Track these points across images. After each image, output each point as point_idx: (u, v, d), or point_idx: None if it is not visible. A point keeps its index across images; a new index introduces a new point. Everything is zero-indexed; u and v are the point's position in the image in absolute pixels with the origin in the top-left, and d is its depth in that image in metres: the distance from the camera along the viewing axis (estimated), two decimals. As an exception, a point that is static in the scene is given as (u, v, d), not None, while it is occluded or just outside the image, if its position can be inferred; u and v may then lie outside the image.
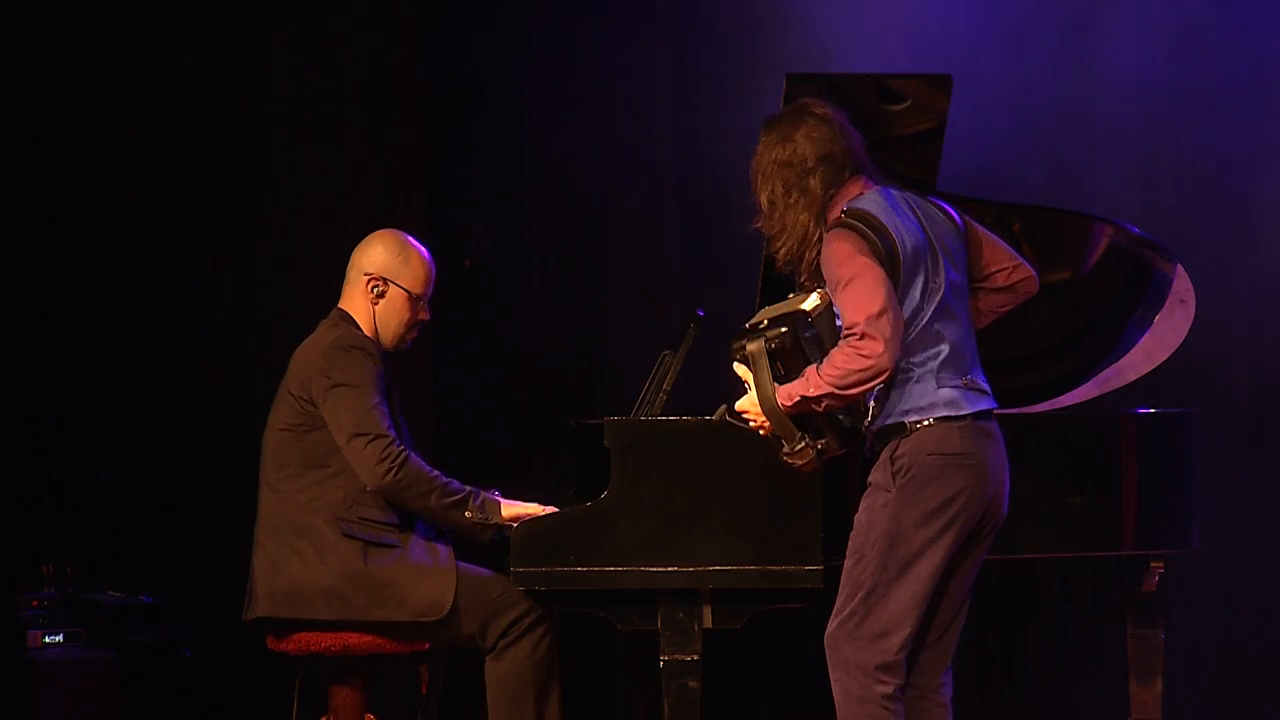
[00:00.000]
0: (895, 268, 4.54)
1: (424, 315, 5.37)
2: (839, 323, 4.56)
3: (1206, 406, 6.10)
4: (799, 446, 4.57)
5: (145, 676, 5.92)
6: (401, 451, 5.14)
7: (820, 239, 4.61)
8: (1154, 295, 5.71)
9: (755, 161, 4.74)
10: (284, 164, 6.63)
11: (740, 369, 4.61)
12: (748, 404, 4.62)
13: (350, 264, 5.36)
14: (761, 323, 4.60)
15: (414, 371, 6.23)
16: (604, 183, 6.93)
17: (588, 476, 5.52)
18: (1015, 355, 5.60)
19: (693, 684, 5.06)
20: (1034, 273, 4.85)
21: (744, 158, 6.36)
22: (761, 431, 4.63)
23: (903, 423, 4.58)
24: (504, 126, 6.85)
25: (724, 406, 4.70)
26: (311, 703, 5.35)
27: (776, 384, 4.54)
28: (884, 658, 4.56)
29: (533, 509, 5.23)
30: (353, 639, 5.19)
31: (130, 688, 5.80)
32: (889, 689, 4.56)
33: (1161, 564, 5.51)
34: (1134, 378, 5.83)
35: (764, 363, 4.54)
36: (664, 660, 5.08)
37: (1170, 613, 5.62)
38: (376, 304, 5.31)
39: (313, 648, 5.20)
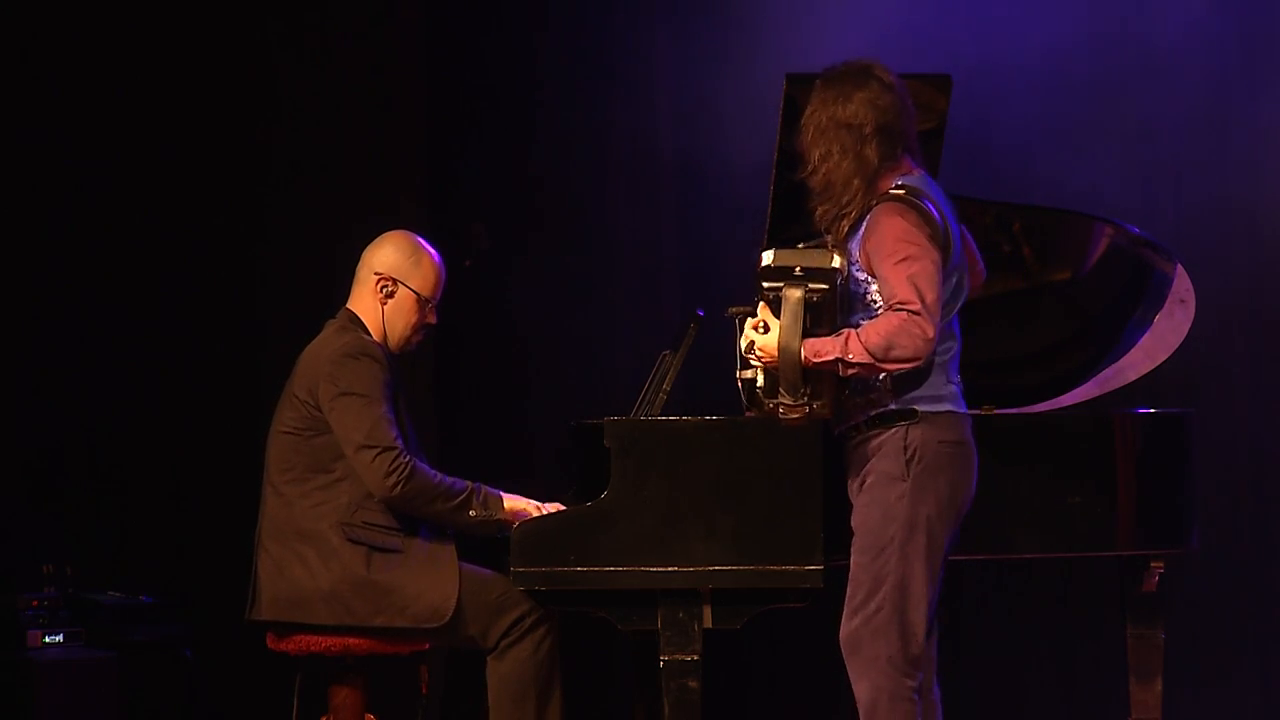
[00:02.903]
0: (946, 255, 4.50)
1: (431, 319, 5.35)
2: (867, 295, 4.51)
3: (1206, 406, 6.09)
4: (799, 401, 4.48)
5: (145, 676, 5.92)
6: (409, 463, 5.11)
7: (866, 207, 4.53)
8: (1154, 295, 5.71)
9: (809, 114, 4.61)
10: (285, 164, 6.63)
11: (764, 308, 4.49)
12: (767, 342, 4.48)
13: (360, 263, 5.34)
14: (795, 269, 4.46)
15: (416, 372, 6.22)
16: (604, 182, 6.93)
17: (588, 476, 5.51)
18: (1016, 355, 5.60)
19: (693, 684, 5.05)
20: (984, 272, 4.82)
21: (744, 158, 6.42)
22: (766, 360, 4.49)
23: (913, 409, 4.54)
24: (504, 126, 6.85)
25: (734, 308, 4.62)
26: (311, 703, 5.34)
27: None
28: (914, 649, 4.52)
29: (533, 504, 5.23)
30: (353, 639, 5.18)
31: (130, 688, 5.80)
32: (915, 683, 4.54)
33: (1161, 564, 5.50)
34: (1134, 378, 5.82)
35: (799, 311, 4.41)
36: (664, 660, 5.08)
37: (1170, 613, 5.61)
38: (385, 304, 5.29)
39: (313, 648, 5.20)
